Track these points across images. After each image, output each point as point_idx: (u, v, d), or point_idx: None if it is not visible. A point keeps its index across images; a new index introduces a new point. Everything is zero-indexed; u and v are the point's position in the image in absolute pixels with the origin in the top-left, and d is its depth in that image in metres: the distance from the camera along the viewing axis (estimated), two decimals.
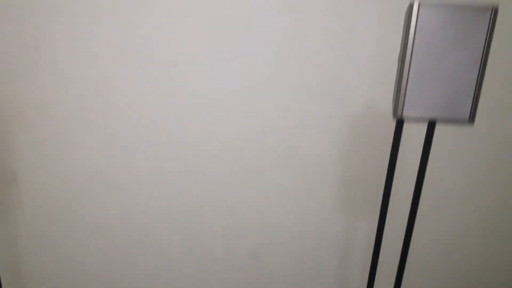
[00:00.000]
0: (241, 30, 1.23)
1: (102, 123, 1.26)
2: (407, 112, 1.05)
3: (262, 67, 1.26)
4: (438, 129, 1.35)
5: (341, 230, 1.49)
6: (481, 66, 0.98)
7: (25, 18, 1.12)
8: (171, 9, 1.17)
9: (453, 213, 1.46)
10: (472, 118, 1.04)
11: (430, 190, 1.42)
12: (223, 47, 1.23)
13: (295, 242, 1.51)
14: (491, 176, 1.39)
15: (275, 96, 1.30)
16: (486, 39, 0.94)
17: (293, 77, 1.28)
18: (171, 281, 1.50)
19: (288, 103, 1.32)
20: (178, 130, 1.31)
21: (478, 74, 0.99)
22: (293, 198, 1.44)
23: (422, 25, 0.94)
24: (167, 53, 1.21)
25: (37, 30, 1.14)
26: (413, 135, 1.34)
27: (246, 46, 1.24)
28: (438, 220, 1.47)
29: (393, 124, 1.32)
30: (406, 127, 1.34)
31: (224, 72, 1.26)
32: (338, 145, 1.37)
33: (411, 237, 1.29)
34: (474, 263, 1.52)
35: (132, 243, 1.44)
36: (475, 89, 1.01)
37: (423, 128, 1.33)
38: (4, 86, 1.19)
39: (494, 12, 0.90)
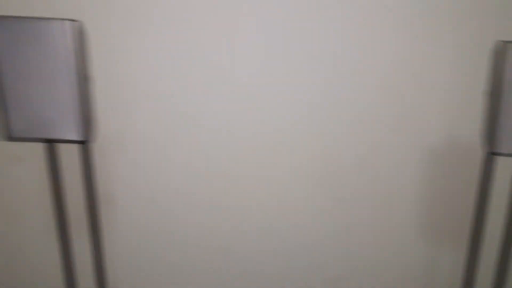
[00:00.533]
0: (319, 63, 1.29)
1: (191, 149, 1.36)
2: (500, 147, 1.05)
3: (340, 98, 1.32)
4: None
5: (422, 262, 1.47)
6: None
7: (122, 57, 1.25)
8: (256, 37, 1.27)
9: None
10: None
11: None
12: (299, 83, 1.30)
13: (373, 272, 1.49)
14: None
15: (355, 127, 1.34)
16: None
17: (372, 108, 1.32)
18: None
19: (368, 133, 1.35)
20: (263, 154, 1.37)
21: None
22: (373, 227, 1.44)
23: None
24: (258, 77, 1.29)
25: (137, 67, 1.27)
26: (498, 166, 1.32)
27: (329, 78, 1.30)
28: None
29: (474, 155, 1.31)
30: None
31: (303, 104, 1.32)
32: (419, 174, 1.37)
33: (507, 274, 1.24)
34: None
35: (214, 266, 1.49)
36: None
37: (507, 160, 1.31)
38: (106, 117, 1.32)
39: None
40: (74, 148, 1.22)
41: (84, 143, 0.97)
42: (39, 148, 1.27)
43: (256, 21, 1.25)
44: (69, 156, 1.24)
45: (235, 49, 1.26)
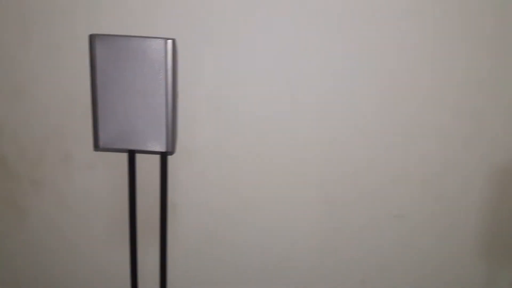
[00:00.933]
0: (388, 86, 1.29)
1: (253, 160, 1.37)
2: None
3: (409, 115, 1.31)
4: None
5: (482, 282, 1.45)
6: None
7: (192, 71, 1.28)
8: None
9: None
10: None
11: None
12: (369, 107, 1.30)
13: None
14: None
15: (423, 143, 1.34)
16: None
17: (440, 123, 1.31)
18: None
19: (434, 149, 1.34)
20: (329, 164, 1.38)
21: None
22: (431, 242, 1.43)
23: None
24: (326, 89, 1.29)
25: (204, 82, 1.29)
26: None
27: (395, 100, 1.30)
28: None
29: None
30: None
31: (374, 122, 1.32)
32: (485, 193, 1.36)
33: None
34: None
35: (268, 272, 1.52)
36: None
37: None
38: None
39: None
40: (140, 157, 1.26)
41: (165, 154, 1.00)
42: (107, 156, 1.33)
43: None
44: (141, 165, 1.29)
45: (299, 61, 1.27)
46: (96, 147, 0.92)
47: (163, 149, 0.93)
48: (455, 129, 1.32)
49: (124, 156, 1.26)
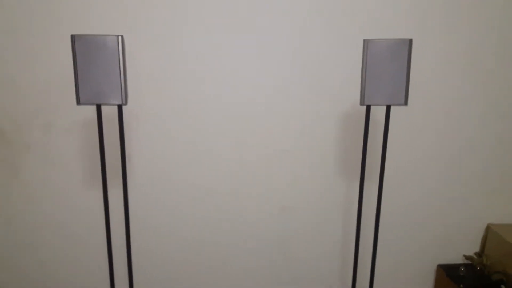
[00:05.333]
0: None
1: (193, 124, 2.04)
2: (368, 101, 1.78)
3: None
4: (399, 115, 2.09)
5: (342, 193, 2.20)
6: None
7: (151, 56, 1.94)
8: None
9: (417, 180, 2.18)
10: None
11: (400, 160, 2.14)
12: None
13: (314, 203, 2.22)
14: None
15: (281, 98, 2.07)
16: None
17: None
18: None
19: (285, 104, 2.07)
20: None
21: None
22: (306, 168, 2.16)
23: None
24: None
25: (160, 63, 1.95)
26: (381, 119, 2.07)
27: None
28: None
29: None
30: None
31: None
32: (340, 133, 2.12)
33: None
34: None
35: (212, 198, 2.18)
36: None
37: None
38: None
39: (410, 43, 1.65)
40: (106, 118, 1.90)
41: (121, 106, 1.64)
42: (78, 123, 1.93)
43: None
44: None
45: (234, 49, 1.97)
46: (78, 103, 1.54)
47: (119, 102, 1.57)
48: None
49: (91, 123, 1.89)
